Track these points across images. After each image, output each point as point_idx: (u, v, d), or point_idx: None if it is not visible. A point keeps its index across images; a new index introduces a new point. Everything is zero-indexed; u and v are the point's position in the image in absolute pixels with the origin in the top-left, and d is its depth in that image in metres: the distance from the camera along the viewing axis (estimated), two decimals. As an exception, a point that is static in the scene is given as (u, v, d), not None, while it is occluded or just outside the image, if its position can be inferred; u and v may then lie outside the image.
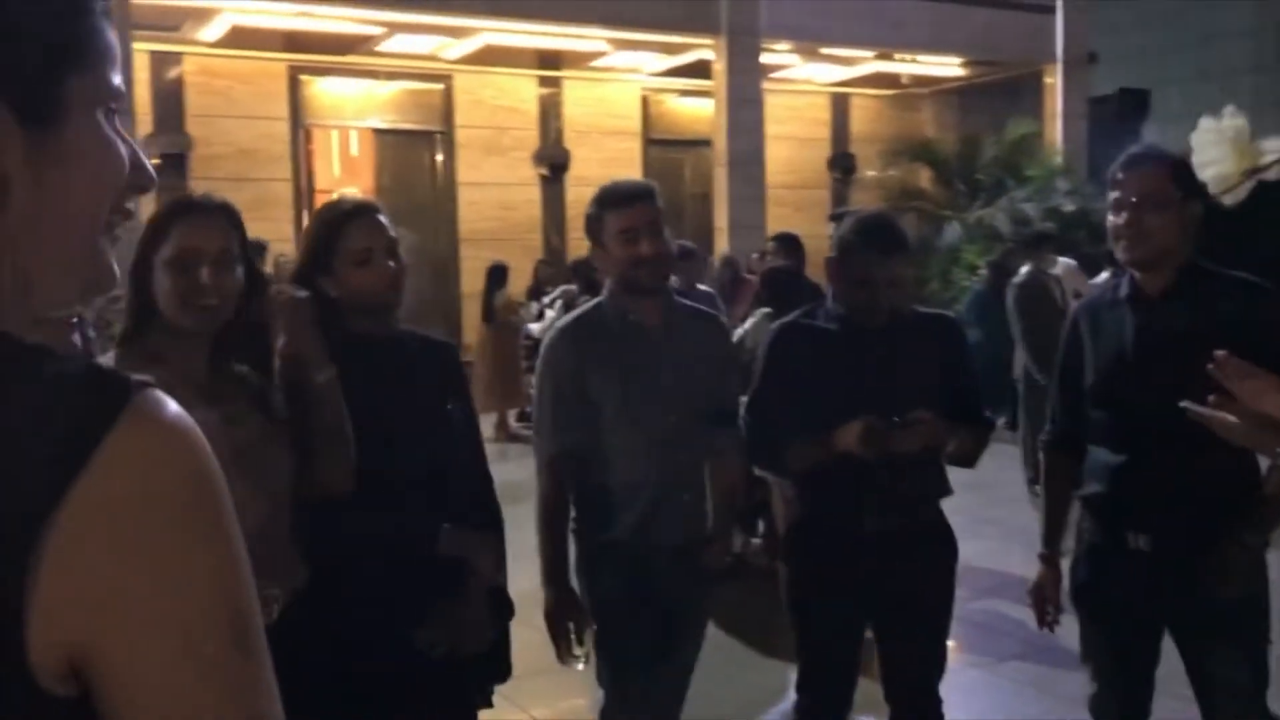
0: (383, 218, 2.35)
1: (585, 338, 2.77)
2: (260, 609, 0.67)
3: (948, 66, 15.32)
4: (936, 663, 2.94)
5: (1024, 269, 7.51)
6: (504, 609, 2.51)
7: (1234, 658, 2.54)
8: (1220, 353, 1.75)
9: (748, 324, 5.62)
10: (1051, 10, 14.49)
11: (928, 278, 12.57)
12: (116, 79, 0.71)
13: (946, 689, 2.97)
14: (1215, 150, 0.85)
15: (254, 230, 2.38)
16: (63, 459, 0.60)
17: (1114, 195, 2.54)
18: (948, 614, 2.94)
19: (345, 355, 2.25)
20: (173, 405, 0.65)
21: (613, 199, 2.73)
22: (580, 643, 2.70)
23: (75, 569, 0.59)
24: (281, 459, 2.08)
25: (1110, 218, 2.55)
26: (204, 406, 1.87)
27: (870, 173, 16.18)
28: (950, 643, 3.01)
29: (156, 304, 2.01)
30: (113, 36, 0.71)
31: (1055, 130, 14.78)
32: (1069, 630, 2.83)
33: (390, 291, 2.33)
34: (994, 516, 5.36)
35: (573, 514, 2.80)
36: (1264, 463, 2.45)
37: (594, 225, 2.74)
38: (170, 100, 12.65)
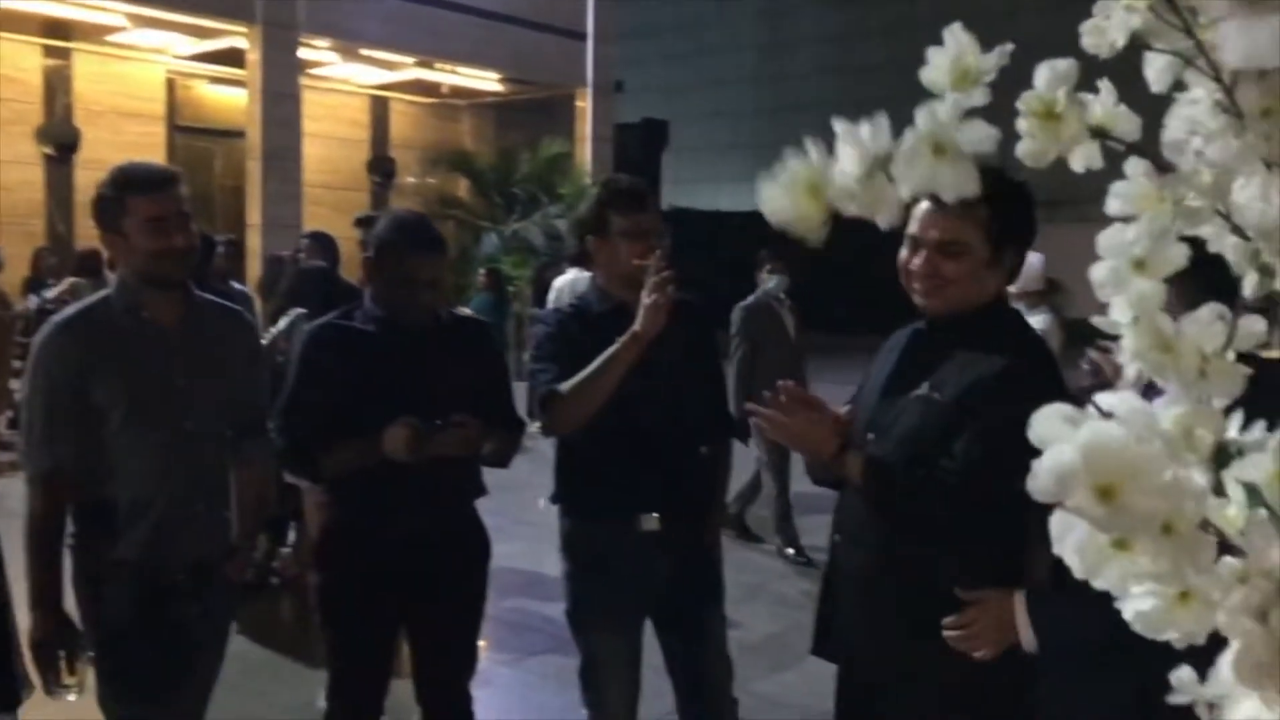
0: None
1: (88, 336, 2.48)
2: None
3: (486, 81, 15.70)
4: (468, 660, 2.98)
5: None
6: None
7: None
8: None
9: (280, 325, 5.37)
10: (584, 38, 15.32)
11: (466, 286, 12.79)
12: None
13: (475, 686, 3.01)
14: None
15: None
16: None
17: None
18: (479, 613, 2.99)
19: None
20: None
21: (139, 183, 2.46)
22: (72, 671, 2.42)
23: None
24: None
25: None
26: None
27: (410, 179, 16.20)
28: (481, 642, 3.06)
29: None
30: None
31: (585, 151, 15.62)
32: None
33: None
34: (528, 518, 5.53)
35: (71, 529, 2.51)
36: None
37: (112, 209, 2.46)
38: None
